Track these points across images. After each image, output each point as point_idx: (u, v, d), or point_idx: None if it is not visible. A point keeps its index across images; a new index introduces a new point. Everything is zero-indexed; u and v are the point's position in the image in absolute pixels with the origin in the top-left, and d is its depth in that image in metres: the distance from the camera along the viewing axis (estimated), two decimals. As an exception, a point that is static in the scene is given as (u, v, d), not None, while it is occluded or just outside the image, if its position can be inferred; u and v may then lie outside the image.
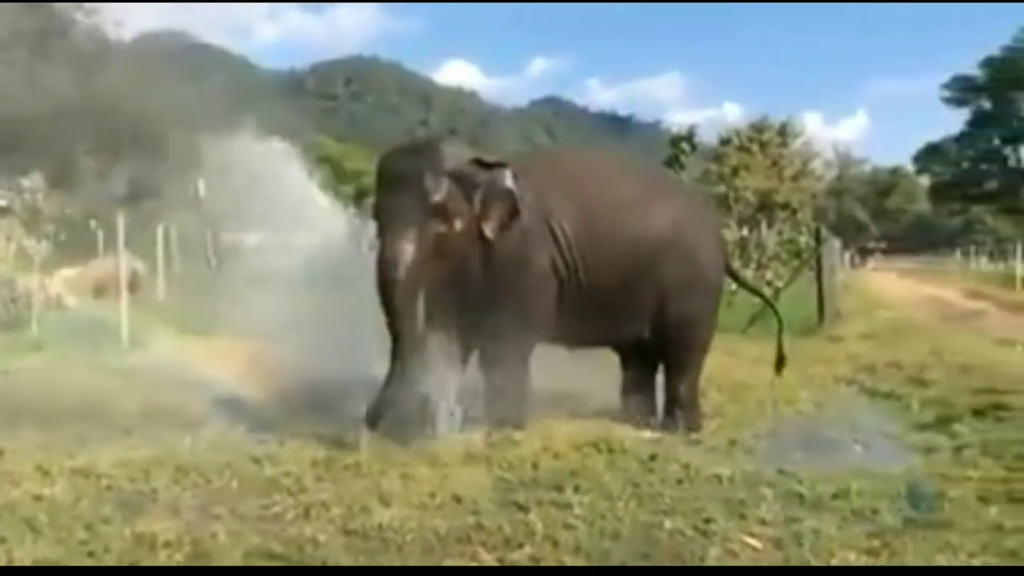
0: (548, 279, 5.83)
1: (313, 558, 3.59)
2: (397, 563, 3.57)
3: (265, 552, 3.65)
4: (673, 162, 22.31)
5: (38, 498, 4.37)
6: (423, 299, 5.51)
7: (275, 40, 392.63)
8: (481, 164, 5.67)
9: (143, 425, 5.79)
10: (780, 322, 7.09)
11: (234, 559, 3.57)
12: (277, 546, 3.71)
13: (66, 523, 4.00)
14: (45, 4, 20.88)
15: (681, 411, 6.25)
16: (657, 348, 6.31)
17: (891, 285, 29.40)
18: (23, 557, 3.57)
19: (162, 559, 3.58)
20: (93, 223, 15.86)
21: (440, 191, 5.46)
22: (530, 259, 5.78)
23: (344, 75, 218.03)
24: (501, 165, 5.68)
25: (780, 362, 6.95)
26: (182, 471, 4.79)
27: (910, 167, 78.15)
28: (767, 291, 15.80)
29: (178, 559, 3.59)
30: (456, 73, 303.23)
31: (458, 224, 5.50)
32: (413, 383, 5.48)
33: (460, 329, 5.77)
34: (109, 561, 3.56)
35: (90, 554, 3.63)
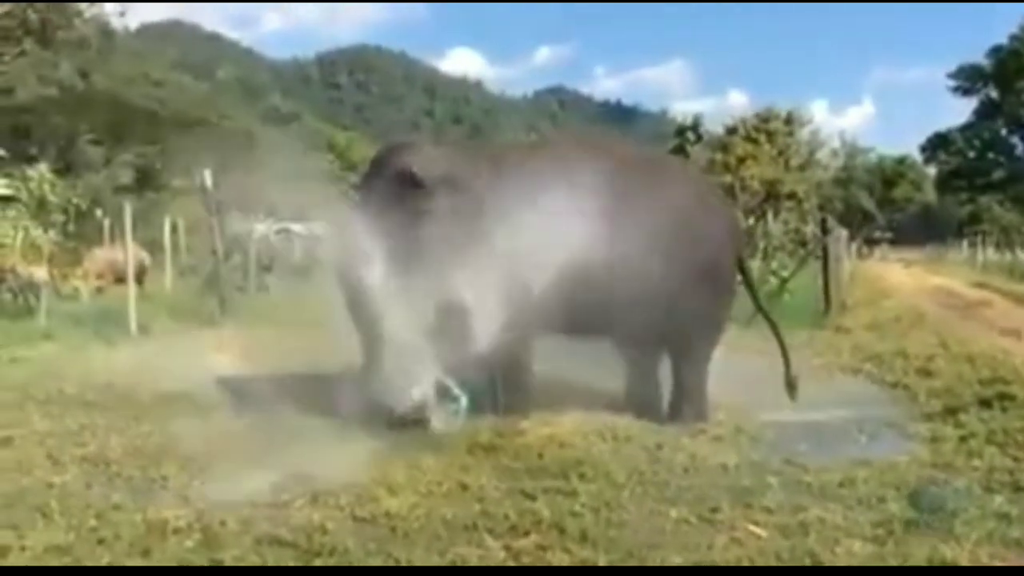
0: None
1: (322, 544, 3.62)
2: (404, 550, 3.59)
3: (274, 538, 3.68)
4: (678, 151, 22.28)
5: (49, 485, 4.42)
6: None
7: (280, 30, 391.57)
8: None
9: (152, 413, 5.81)
10: (779, 336, 6.81)
11: (244, 545, 3.60)
12: (286, 532, 3.75)
13: (77, 510, 4.04)
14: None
15: (688, 403, 6.26)
16: (665, 339, 6.30)
17: (898, 275, 29.35)
18: (35, 543, 3.60)
19: (172, 545, 3.61)
20: (100, 212, 15.92)
21: None
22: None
23: (348, 64, 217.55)
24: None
25: (791, 386, 6.60)
26: (191, 459, 4.82)
27: (917, 156, 77.90)
28: (772, 281, 15.86)
29: (188, 545, 3.62)
30: (461, 62, 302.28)
31: None
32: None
33: None
34: (120, 547, 3.59)
35: (101, 541, 3.67)
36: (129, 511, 4.03)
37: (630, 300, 5.88)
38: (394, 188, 5.75)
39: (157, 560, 3.45)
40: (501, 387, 5.93)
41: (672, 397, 6.36)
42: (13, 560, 3.44)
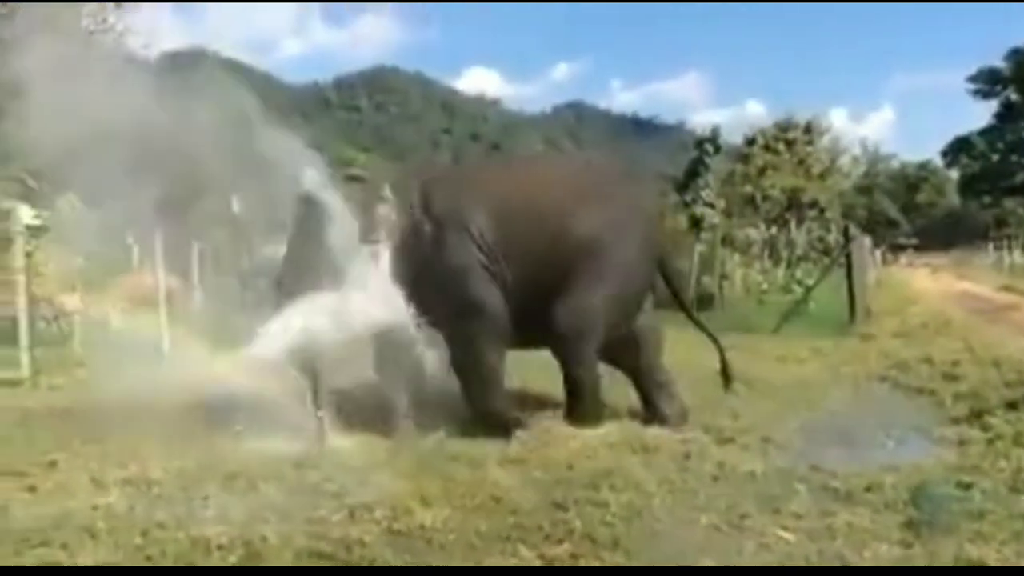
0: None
1: (361, 557, 3.73)
2: (441, 562, 3.69)
3: (314, 552, 3.79)
4: (698, 164, 22.27)
5: (94, 507, 4.53)
6: None
7: (299, 55, 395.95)
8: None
9: (189, 435, 5.95)
10: (718, 346, 7.05)
11: (285, 559, 3.71)
12: (325, 546, 3.85)
13: (123, 530, 4.15)
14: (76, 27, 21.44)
15: (579, 404, 6.35)
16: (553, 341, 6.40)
17: (924, 281, 29.20)
18: (84, 561, 3.73)
19: (216, 560, 3.73)
20: (131, 239, 16.18)
21: None
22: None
23: (366, 87, 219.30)
24: None
25: (726, 377, 6.97)
26: (230, 478, 4.95)
27: (939, 161, 77.45)
28: (797, 290, 15.89)
29: (232, 560, 3.74)
30: (478, 80, 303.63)
31: None
32: None
33: None
34: (166, 564, 3.71)
35: (148, 558, 3.79)
36: (172, 529, 4.14)
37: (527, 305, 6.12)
38: None
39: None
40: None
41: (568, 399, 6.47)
42: (65, 577, 3.57)
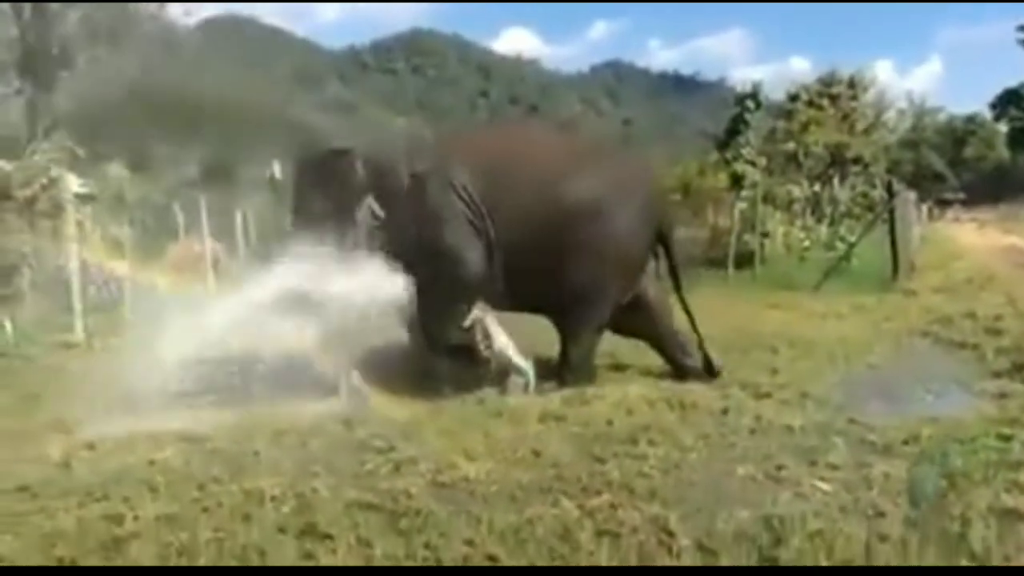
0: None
1: (407, 507, 3.87)
2: (485, 511, 3.82)
3: (364, 504, 3.94)
4: (739, 121, 22.01)
5: (152, 462, 4.73)
6: None
7: (336, 19, 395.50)
8: None
9: (239, 393, 6.14)
10: (698, 335, 6.81)
11: (335, 510, 3.86)
12: (373, 498, 4.00)
13: (180, 483, 4.34)
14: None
15: (569, 371, 6.44)
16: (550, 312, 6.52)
17: (969, 236, 28.66)
18: (145, 513, 3.91)
19: (270, 511, 3.90)
20: (176, 207, 16.50)
21: None
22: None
23: (404, 50, 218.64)
24: None
25: (709, 369, 6.68)
26: (280, 433, 5.13)
27: (987, 114, 75.50)
28: (840, 246, 15.74)
29: (285, 511, 3.90)
30: (515, 41, 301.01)
31: None
32: None
33: None
34: (222, 515, 3.88)
35: (205, 509, 3.97)
36: (227, 483, 4.32)
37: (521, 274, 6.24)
38: None
39: (258, 524, 3.73)
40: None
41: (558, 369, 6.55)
42: (129, 527, 3.75)
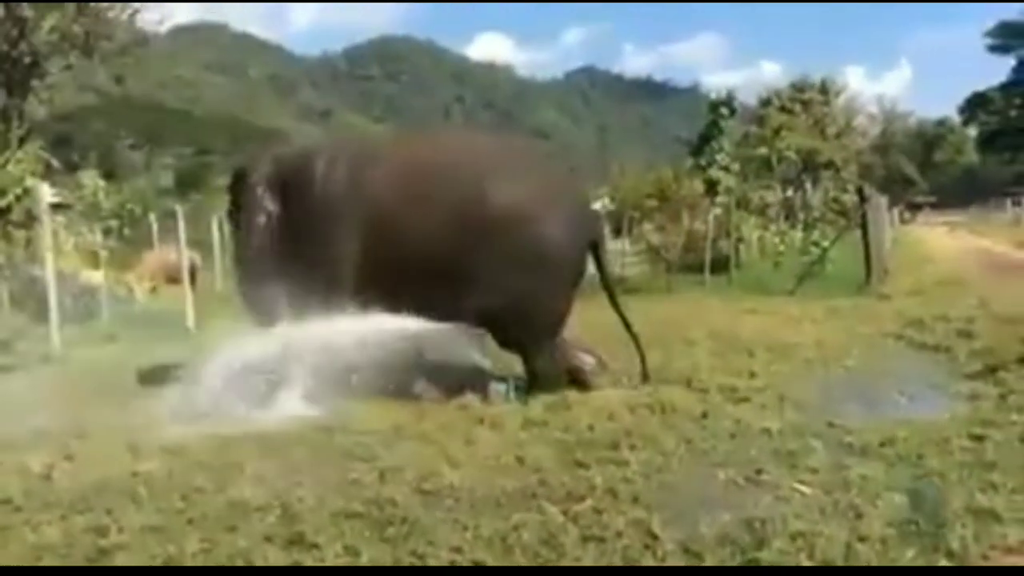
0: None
1: (393, 515, 3.89)
2: (470, 519, 3.84)
3: (350, 512, 3.95)
4: (713, 127, 22.24)
5: (134, 474, 4.71)
6: None
7: (308, 26, 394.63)
8: None
9: (220, 404, 6.13)
10: (637, 344, 6.78)
11: (321, 519, 3.87)
12: (359, 506, 4.02)
13: (163, 494, 4.34)
14: (94, 5, 21.66)
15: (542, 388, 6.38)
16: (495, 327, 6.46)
17: (941, 239, 29.07)
18: (130, 524, 3.91)
19: (256, 521, 3.90)
20: (152, 216, 16.43)
21: None
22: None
23: (377, 56, 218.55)
24: None
25: (644, 374, 6.66)
26: (263, 444, 5.13)
27: (957, 118, 76.63)
28: (814, 251, 15.93)
29: (270, 520, 3.91)
30: (489, 47, 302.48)
31: None
32: None
33: None
34: (208, 525, 3.88)
35: (190, 520, 3.96)
36: (211, 493, 4.33)
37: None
38: None
39: (244, 534, 3.74)
40: None
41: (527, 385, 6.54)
42: (114, 539, 3.74)
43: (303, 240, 6.39)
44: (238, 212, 6.82)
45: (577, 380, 6.49)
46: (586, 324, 7.09)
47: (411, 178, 6.31)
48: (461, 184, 6.25)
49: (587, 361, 6.71)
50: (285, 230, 6.51)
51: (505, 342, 6.60)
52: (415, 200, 6.20)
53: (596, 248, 6.78)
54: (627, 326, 6.76)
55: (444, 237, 6.11)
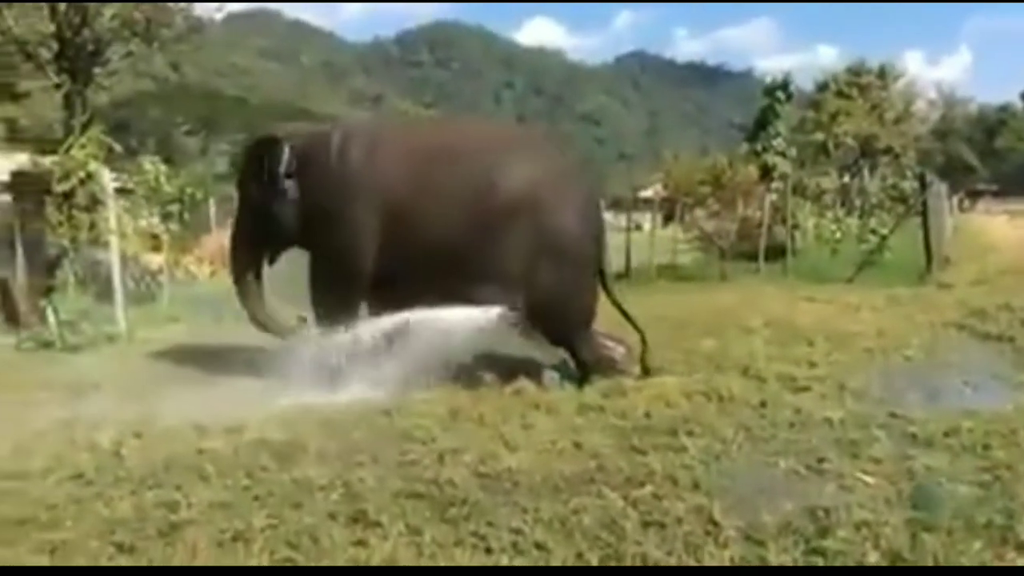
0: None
1: (453, 496, 3.94)
2: (530, 502, 3.87)
3: (411, 492, 4.01)
4: (768, 112, 21.93)
5: (200, 451, 4.83)
6: None
7: (360, 12, 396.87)
8: None
9: (283, 383, 6.25)
10: (641, 334, 6.67)
11: (383, 498, 3.94)
12: (420, 487, 4.08)
13: (230, 471, 4.43)
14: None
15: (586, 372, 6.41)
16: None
17: (1002, 228, 28.29)
18: (199, 500, 4.01)
19: (320, 499, 3.98)
20: (212, 200, 16.70)
21: None
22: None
23: (428, 42, 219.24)
24: None
25: (645, 369, 6.51)
26: (324, 424, 5.21)
27: (1019, 104, 74.55)
28: (872, 239, 15.65)
29: (334, 498, 3.98)
30: (539, 32, 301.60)
31: None
32: None
33: None
34: (274, 502, 3.97)
35: (256, 497, 4.06)
36: (275, 471, 4.42)
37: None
38: None
39: (309, 512, 3.81)
40: None
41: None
42: (184, 514, 3.84)
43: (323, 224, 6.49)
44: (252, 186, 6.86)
45: (610, 370, 6.47)
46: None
47: (430, 169, 6.30)
48: (476, 175, 6.22)
49: (619, 351, 6.69)
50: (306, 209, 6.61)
51: (546, 336, 6.61)
52: (432, 190, 6.21)
53: (598, 237, 6.72)
54: (625, 316, 6.73)
55: (463, 230, 6.11)
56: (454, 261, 6.11)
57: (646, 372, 6.45)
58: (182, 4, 24.08)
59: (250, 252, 7.09)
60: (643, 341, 6.61)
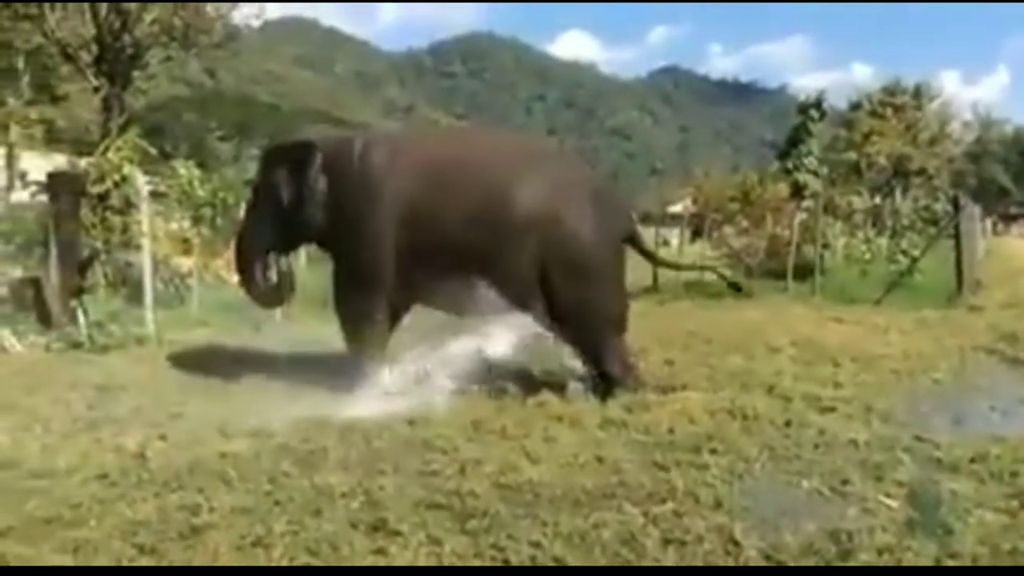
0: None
1: (474, 507, 3.94)
2: (550, 516, 3.87)
3: (431, 503, 4.02)
4: (801, 130, 21.83)
5: (223, 455, 4.87)
6: None
7: (395, 21, 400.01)
8: None
9: (306, 389, 6.28)
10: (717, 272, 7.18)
11: (404, 508, 3.95)
12: (440, 497, 4.08)
13: (252, 476, 4.47)
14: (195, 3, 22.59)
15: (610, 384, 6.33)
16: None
17: (1036, 252, 27.96)
18: (221, 504, 4.04)
19: (340, 507, 4.00)
20: (243, 205, 16.85)
21: None
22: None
23: (461, 53, 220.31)
24: None
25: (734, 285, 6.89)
26: (346, 431, 5.24)
27: (1056, 126, 73.55)
28: (902, 260, 15.49)
29: (354, 506, 4.00)
30: (573, 45, 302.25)
31: None
32: None
33: None
34: (294, 508, 3.99)
35: (277, 503, 4.08)
36: (297, 477, 4.45)
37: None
38: None
39: (329, 519, 3.84)
40: None
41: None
42: (205, 517, 3.88)
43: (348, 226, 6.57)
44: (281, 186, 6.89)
45: (638, 384, 6.42)
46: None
47: (447, 178, 6.36)
48: (491, 186, 6.27)
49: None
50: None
51: (571, 345, 6.60)
52: (449, 198, 6.27)
53: (633, 242, 6.78)
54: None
55: (479, 234, 6.16)
56: (468, 269, 6.13)
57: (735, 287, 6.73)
58: (222, 11, 24.42)
59: (263, 249, 7.10)
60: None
